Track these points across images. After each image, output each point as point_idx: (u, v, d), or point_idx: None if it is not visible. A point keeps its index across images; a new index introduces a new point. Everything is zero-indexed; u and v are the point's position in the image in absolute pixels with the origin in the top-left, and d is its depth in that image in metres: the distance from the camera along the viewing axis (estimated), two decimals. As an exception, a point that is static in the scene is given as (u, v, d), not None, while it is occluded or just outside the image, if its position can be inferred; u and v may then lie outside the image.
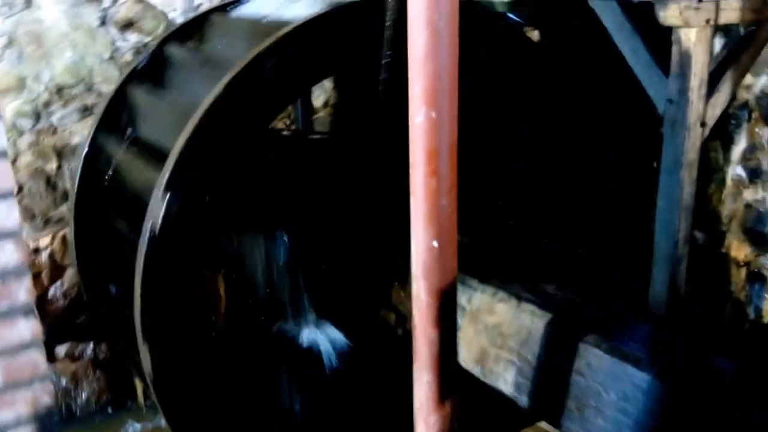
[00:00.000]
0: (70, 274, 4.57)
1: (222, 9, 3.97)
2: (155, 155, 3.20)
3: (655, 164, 2.72)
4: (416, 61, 1.82)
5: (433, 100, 1.83)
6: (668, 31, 2.45)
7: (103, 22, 4.52)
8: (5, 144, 1.70)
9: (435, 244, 1.88)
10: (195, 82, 3.30)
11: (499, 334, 3.02)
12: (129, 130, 3.60)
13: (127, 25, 4.60)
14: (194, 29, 3.86)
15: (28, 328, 1.71)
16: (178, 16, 4.81)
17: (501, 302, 3.10)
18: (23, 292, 1.70)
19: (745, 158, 3.24)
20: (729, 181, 3.32)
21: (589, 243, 3.40)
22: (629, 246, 3.27)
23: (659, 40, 2.54)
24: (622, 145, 3.60)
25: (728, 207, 3.33)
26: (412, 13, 1.80)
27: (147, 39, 4.72)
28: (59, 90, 4.49)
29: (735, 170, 3.29)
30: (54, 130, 4.53)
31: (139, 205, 3.14)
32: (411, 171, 1.93)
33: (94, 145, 3.75)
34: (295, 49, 2.90)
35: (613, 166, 3.60)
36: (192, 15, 4.15)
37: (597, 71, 3.46)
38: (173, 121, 3.20)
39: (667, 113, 2.54)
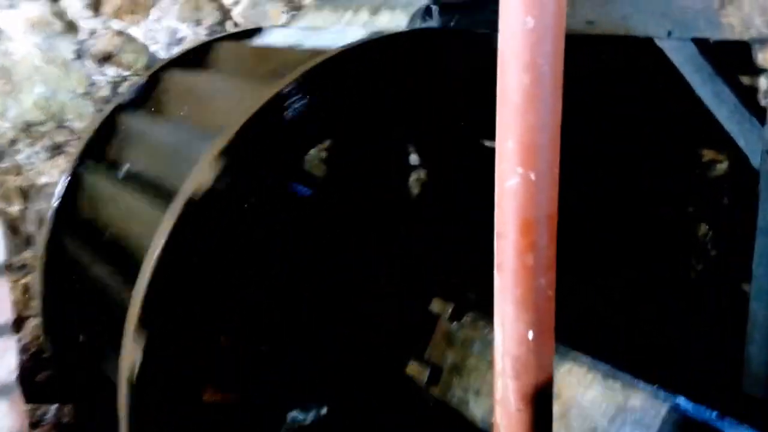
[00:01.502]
0: (31, 326, 4.14)
1: (232, 37, 3.59)
2: (149, 192, 2.79)
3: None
4: (510, 111, 1.49)
5: (532, 159, 1.50)
6: (757, 74, 2.19)
7: (79, 55, 4.13)
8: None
9: (530, 335, 1.54)
10: (204, 110, 2.91)
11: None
12: (119, 165, 3.16)
13: (105, 59, 4.22)
14: (199, 57, 3.46)
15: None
16: (160, 50, 4.44)
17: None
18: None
19: None
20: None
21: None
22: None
23: (740, 84, 2.28)
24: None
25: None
26: (506, 53, 1.48)
27: (126, 73, 4.33)
28: (27, 127, 4.09)
29: None
30: (19, 170, 4.12)
31: (124, 246, 2.74)
32: (498, 243, 1.59)
33: (74, 182, 3.29)
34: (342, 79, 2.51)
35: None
36: (194, 43, 3.73)
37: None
38: (173, 153, 2.81)
39: (764, 166, 2.26)
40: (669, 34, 2.48)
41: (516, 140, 1.50)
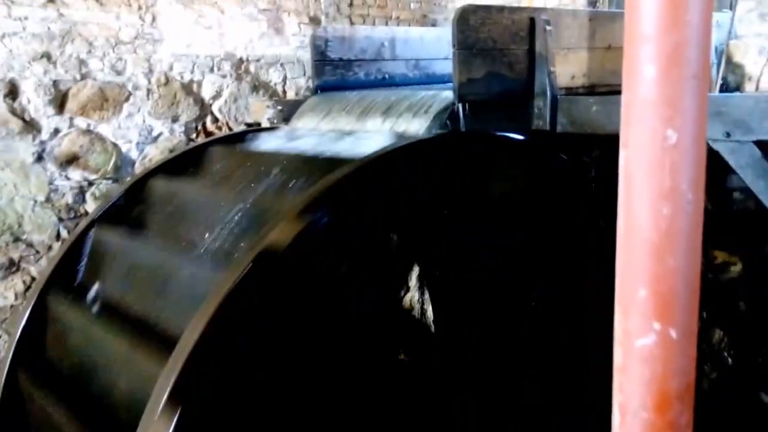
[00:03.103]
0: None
1: (226, 141, 3.20)
2: (126, 330, 2.34)
3: None
4: (643, 251, 1.14)
5: (672, 311, 1.14)
6: None
7: (40, 157, 3.72)
8: None
9: None
10: (194, 227, 2.49)
11: None
12: (92, 293, 2.67)
13: (70, 161, 3.81)
14: (189, 163, 3.04)
15: None
16: (133, 149, 4.07)
17: None
18: None
19: None
20: None
21: None
22: None
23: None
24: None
25: None
26: (634, 176, 1.14)
27: (93, 177, 3.93)
28: (-25, 241, 3.60)
29: None
30: (-34, 292, 3.61)
31: (91, 390, 2.27)
32: (622, 421, 1.20)
33: (37, 312, 2.76)
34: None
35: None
36: (185, 148, 3.32)
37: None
38: (155, 278, 2.39)
39: None
40: (728, 135, 2.22)
41: (651, 288, 1.14)
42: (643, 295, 1.15)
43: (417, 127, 2.56)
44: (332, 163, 2.34)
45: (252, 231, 2.20)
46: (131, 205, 2.87)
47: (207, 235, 2.38)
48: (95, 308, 2.53)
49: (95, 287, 2.64)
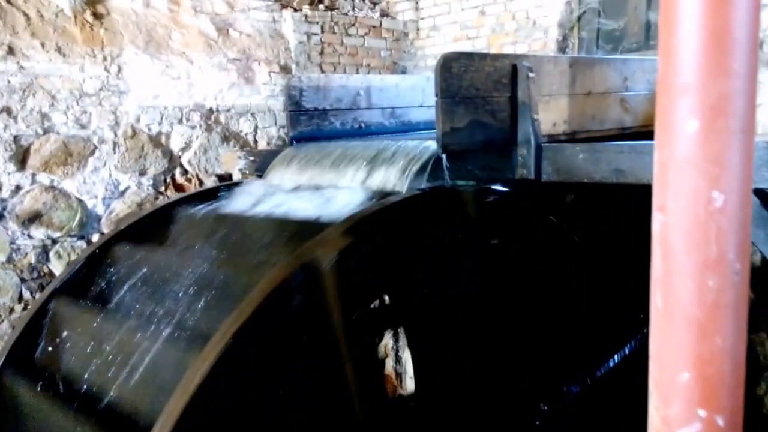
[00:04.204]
0: None
1: (193, 199, 3.00)
2: (92, 408, 2.14)
3: None
4: (686, 330, 1.02)
5: (719, 396, 1.02)
6: None
7: (1, 216, 3.52)
8: None
9: None
10: (161, 301, 2.30)
11: None
12: (51, 373, 2.44)
13: (32, 219, 3.62)
14: (154, 226, 2.84)
15: None
16: (99, 204, 3.88)
17: None
18: None
19: None
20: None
21: None
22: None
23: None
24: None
25: None
26: (675, 245, 1.03)
27: (57, 234, 3.73)
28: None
29: None
30: None
31: None
32: None
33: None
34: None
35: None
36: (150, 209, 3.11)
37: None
38: (121, 358, 2.19)
39: None
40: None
41: (695, 371, 1.01)
42: (686, 379, 1.02)
43: (402, 180, 2.44)
44: (314, 227, 2.20)
45: (226, 305, 2.03)
46: (93, 275, 2.66)
47: (176, 311, 2.20)
48: (53, 393, 2.31)
49: (53, 368, 2.43)
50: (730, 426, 1.02)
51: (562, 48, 4.99)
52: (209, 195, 2.97)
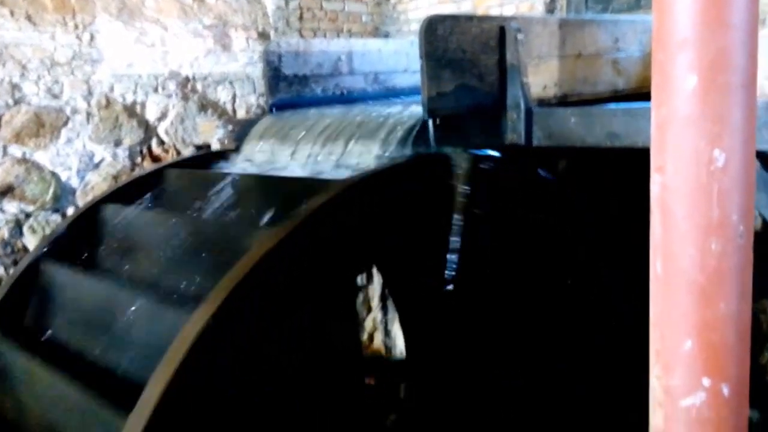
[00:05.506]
0: None
1: (181, 165, 2.95)
2: (77, 376, 2.10)
3: None
4: (687, 295, 0.98)
5: (724, 365, 0.98)
6: None
7: (-29, 190, 3.42)
8: None
9: None
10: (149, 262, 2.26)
11: None
12: (37, 334, 2.40)
13: (4, 192, 3.51)
14: (144, 188, 2.79)
15: None
16: (73, 177, 3.78)
17: None
18: None
19: None
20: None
21: None
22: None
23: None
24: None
25: None
26: (674, 206, 0.97)
27: (31, 208, 3.63)
28: None
29: None
30: None
31: None
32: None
33: None
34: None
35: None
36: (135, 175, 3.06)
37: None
38: (110, 320, 2.15)
39: None
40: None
41: (699, 338, 0.97)
42: (689, 347, 0.98)
43: (388, 147, 2.38)
44: (303, 190, 2.15)
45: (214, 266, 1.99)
46: (77, 239, 2.61)
47: (164, 272, 2.16)
48: (40, 352, 2.27)
49: (43, 331, 2.39)
50: (736, 395, 0.98)
51: (551, 9, 4.89)
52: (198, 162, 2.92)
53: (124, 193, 2.76)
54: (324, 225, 1.98)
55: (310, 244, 1.95)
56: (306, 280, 1.94)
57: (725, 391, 0.97)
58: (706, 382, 0.97)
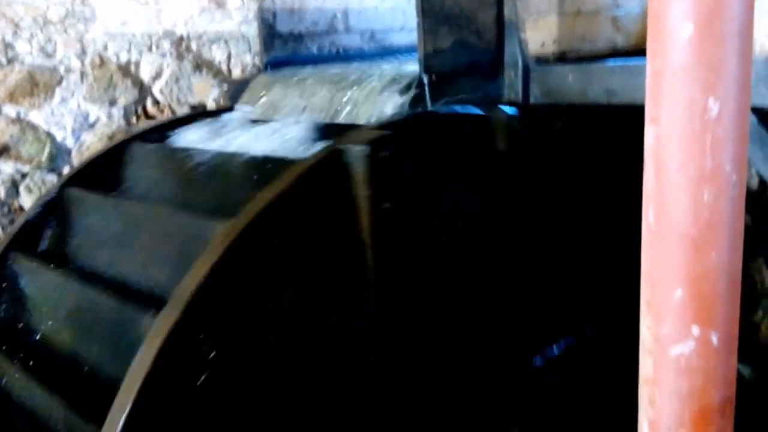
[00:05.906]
0: None
1: (145, 137, 2.92)
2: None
3: None
4: (678, 244, 0.98)
5: (714, 313, 0.99)
6: None
7: (-34, 149, 3.40)
8: None
9: None
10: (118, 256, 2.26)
11: None
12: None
13: (0, 152, 3.49)
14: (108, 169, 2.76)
15: None
16: (68, 137, 3.76)
17: None
18: None
19: None
20: None
21: None
22: None
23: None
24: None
25: None
26: (666, 157, 0.97)
27: (26, 168, 3.62)
28: None
29: None
30: None
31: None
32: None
33: None
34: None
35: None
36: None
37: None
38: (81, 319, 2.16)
39: None
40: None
41: (690, 288, 0.98)
42: (680, 296, 0.98)
43: (386, 106, 2.36)
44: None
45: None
46: (44, 228, 2.62)
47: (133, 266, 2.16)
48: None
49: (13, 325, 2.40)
50: (725, 343, 1.00)
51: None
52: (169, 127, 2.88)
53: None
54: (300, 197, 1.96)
55: (291, 217, 1.94)
56: (287, 255, 1.93)
57: (714, 339, 0.99)
58: (695, 330, 0.98)
